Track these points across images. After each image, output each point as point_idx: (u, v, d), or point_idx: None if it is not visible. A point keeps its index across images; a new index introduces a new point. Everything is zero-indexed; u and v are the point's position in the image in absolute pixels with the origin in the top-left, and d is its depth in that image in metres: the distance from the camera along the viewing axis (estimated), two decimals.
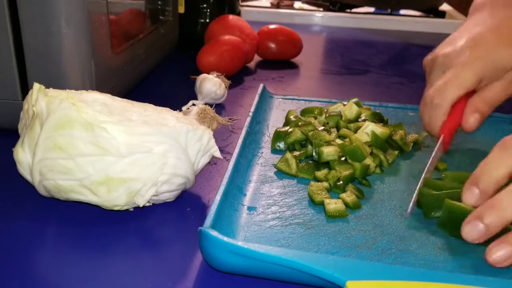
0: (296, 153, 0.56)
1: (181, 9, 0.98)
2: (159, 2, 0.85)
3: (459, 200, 0.43)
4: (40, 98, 0.43)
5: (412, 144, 0.59)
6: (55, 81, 0.54)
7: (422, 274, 0.35)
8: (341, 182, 0.50)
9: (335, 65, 1.02)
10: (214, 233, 0.37)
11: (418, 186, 0.48)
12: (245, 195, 0.48)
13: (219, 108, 0.73)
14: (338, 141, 0.56)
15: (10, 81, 0.55)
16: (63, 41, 0.53)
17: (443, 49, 0.55)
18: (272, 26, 1.00)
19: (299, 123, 0.60)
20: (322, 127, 0.59)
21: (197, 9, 1.01)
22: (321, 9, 1.55)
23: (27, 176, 0.45)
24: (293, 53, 1.00)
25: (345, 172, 0.51)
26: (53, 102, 0.42)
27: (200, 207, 0.49)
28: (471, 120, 0.53)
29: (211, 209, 0.41)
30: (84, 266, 0.39)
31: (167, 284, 0.38)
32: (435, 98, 0.53)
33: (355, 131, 0.58)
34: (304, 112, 0.65)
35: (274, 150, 0.58)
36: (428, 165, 0.50)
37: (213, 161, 0.56)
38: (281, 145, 0.58)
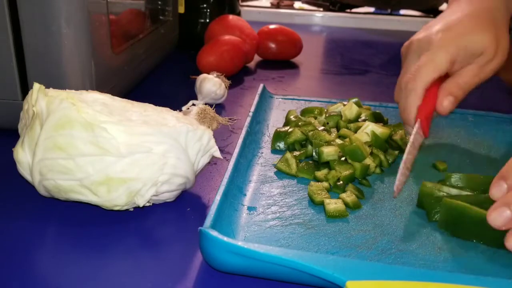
0: (296, 153, 0.56)
1: (181, 9, 0.98)
2: (159, 2, 0.85)
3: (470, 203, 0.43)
4: (40, 98, 0.43)
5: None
6: (55, 81, 0.54)
7: (422, 274, 0.35)
8: (341, 182, 0.50)
9: (335, 65, 1.02)
10: (214, 233, 0.37)
11: (399, 173, 0.47)
12: (245, 195, 0.48)
13: (219, 108, 0.73)
14: (338, 141, 0.56)
15: (10, 81, 0.55)
16: (63, 41, 0.53)
17: (418, 35, 0.57)
18: (272, 26, 1.00)
19: (299, 123, 0.60)
20: (322, 127, 0.59)
21: (197, 9, 1.01)
22: (321, 9, 1.55)
23: (27, 176, 0.45)
24: (293, 53, 1.00)
25: (345, 172, 0.51)
26: (53, 102, 0.42)
27: (200, 207, 0.49)
28: (445, 103, 0.54)
29: (211, 209, 0.41)
30: (84, 266, 0.39)
31: (167, 284, 0.38)
32: (409, 83, 0.54)
33: (355, 131, 0.58)
34: (304, 112, 0.65)
35: (274, 150, 0.58)
36: (407, 151, 0.50)
37: (213, 161, 0.56)
38: (281, 145, 0.58)
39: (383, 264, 0.36)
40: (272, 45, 0.97)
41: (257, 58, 0.99)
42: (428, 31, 0.56)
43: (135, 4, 0.75)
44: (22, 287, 0.37)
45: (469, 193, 0.46)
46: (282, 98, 0.74)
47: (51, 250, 0.41)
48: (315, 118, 0.63)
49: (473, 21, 0.54)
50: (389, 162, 0.56)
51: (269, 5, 1.58)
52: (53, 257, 0.40)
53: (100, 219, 0.45)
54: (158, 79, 0.85)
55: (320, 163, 0.53)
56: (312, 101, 0.74)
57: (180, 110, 0.66)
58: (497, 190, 0.42)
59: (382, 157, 0.55)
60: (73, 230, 0.44)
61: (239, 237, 0.42)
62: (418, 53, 0.55)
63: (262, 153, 0.57)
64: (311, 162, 0.54)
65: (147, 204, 0.46)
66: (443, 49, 0.53)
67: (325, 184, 0.50)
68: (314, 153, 0.54)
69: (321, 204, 0.47)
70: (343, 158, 0.53)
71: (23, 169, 0.44)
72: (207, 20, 1.01)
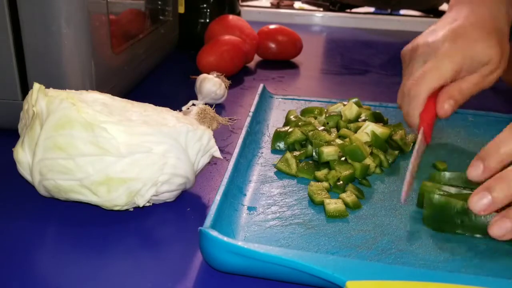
0: (296, 153, 0.56)
1: (181, 9, 0.98)
2: (159, 2, 0.85)
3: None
4: (40, 98, 0.43)
5: (412, 144, 0.59)
6: (55, 81, 0.54)
7: (422, 274, 0.35)
8: (341, 182, 0.50)
9: (335, 65, 1.02)
10: (214, 233, 0.37)
11: (406, 179, 0.47)
12: (245, 195, 0.48)
13: (219, 108, 0.73)
14: (338, 141, 0.56)
15: (10, 81, 0.55)
16: (63, 41, 0.53)
17: (424, 39, 0.56)
18: (272, 26, 1.00)
19: (299, 123, 0.60)
20: (322, 127, 0.59)
21: (197, 9, 1.01)
22: (321, 9, 1.55)
23: (27, 176, 0.45)
24: (293, 53, 1.00)
25: (345, 172, 0.51)
26: (53, 102, 0.42)
27: (200, 207, 0.49)
28: (446, 106, 0.54)
29: (211, 209, 0.41)
30: (84, 266, 0.39)
31: (167, 284, 0.38)
32: (413, 89, 0.54)
33: (355, 131, 0.58)
34: (304, 112, 0.65)
35: (274, 150, 0.58)
36: (412, 159, 0.50)
37: (213, 161, 0.56)
38: (281, 145, 0.58)
39: (383, 264, 0.36)
40: (272, 45, 0.97)
41: (257, 58, 0.99)
42: (433, 37, 0.55)
43: (135, 4, 0.75)
44: (22, 287, 0.37)
45: (469, 192, 0.46)
46: (282, 98, 0.74)
47: (51, 250, 0.41)
48: (315, 118, 0.63)
49: (478, 30, 0.54)
50: (389, 162, 0.56)
51: (269, 5, 1.58)
52: (53, 257, 0.40)
53: (100, 219, 0.45)
54: (158, 79, 0.85)
55: (320, 163, 0.53)
56: (312, 101, 0.74)
57: (180, 110, 0.66)
58: (473, 170, 0.42)
59: (382, 157, 0.55)
60: (73, 230, 0.44)
61: (239, 237, 0.42)
62: (423, 59, 0.55)
63: (262, 153, 0.57)
64: (311, 162, 0.54)
65: (147, 204, 0.46)
66: (449, 58, 0.53)
67: (325, 184, 0.50)
68: (314, 153, 0.54)
69: (321, 204, 0.47)
70: (343, 158, 0.53)
71: (23, 169, 0.44)
72: (207, 20, 1.01)
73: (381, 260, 0.40)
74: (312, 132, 0.57)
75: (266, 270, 0.37)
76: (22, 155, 0.44)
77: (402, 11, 1.56)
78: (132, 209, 0.46)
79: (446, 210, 0.44)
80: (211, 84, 0.71)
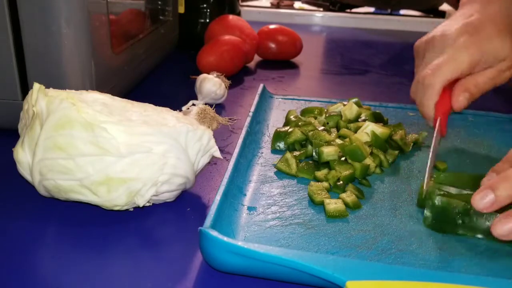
0: (296, 153, 0.56)
1: (181, 9, 0.98)
2: (159, 2, 0.85)
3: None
4: (40, 98, 0.43)
5: (412, 144, 0.59)
6: (55, 81, 0.54)
7: (422, 274, 0.35)
8: (341, 182, 0.50)
9: (335, 65, 1.02)
10: (214, 233, 0.37)
11: (426, 176, 0.47)
12: (245, 195, 0.48)
13: (219, 108, 0.73)
14: (338, 141, 0.56)
15: (10, 81, 0.55)
16: (63, 41, 0.53)
17: (440, 32, 0.56)
18: (272, 26, 1.00)
19: (299, 123, 0.60)
20: (322, 127, 0.59)
21: (197, 9, 1.01)
22: (321, 9, 1.55)
23: (27, 176, 0.45)
24: (293, 53, 1.00)
25: (345, 172, 0.51)
26: (53, 102, 0.42)
27: (200, 207, 0.49)
28: (460, 98, 0.54)
29: (211, 209, 0.41)
30: (84, 266, 0.39)
31: (167, 284, 0.38)
32: (427, 78, 0.54)
33: (355, 131, 0.58)
34: (304, 112, 0.65)
35: (274, 150, 0.58)
36: (430, 153, 0.50)
37: (213, 161, 0.56)
38: (281, 145, 0.58)
39: (383, 264, 0.36)
40: (272, 45, 0.97)
41: (257, 58, 0.99)
42: (450, 30, 0.55)
43: (135, 4, 0.75)
44: (22, 287, 0.37)
45: (470, 192, 0.46)
46: (282, 98, 0.74)
47: (51, 250, 0.41)
48: (315, 118, 0.63)
49: (494, 26, 0.54)
50: (389, 162, 0.56)
51: (269, 5, 1.58)
52: (53, 257, 0.40)
53: (100, 219, 0.45)
54: (158, 79, 0.85)
55: (320, 163, 0.53)
56: (312, 101, 0.74)
57: (180, 110, 0.66)
58: (480, 198, 0.42)
59: (382, 157, 0.55)
60: (73, 230, 0.44)
61: (239, 237, 0.42)
62: (440, 49, 0.55)
63: (262, 153, 0.57)
64: (311, 162, 0.54)
65: (147, 204, 0.46)
66: (466, 51, 0.53)
67: (325, 184, 0.50)
68: (314, 153, 0.54)
69: (321, 204, 0.47)
70: (343, 158, 0.53)
71: (23, 169, 0.44)
72: (207, 20, 1.01)
73: (381, 260, 0.40)
74: (312, 132, 0.57)
75: (266, 270, 0.37)
76: (22, 155, 0.44)
77: (402, 11, 1.56)
78: (132, 209, 0.46)
79: (446, 210, 0.44)
80: (211, 84, 0.71)
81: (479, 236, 0.43)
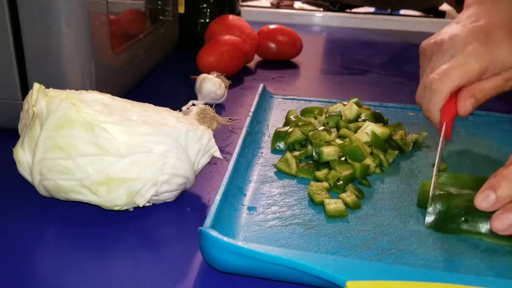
0: (296, 153, 0.56)
1: (181, 9, 0.98)
2: (159, 2, 0.85)
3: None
4: (40, 98, 0.43)
5: (412, 144, 0.59)
6: (55, 81, 0.54)
7: (422, 274, 0.35)
8: (341, 182, 0.50)
9: (335, 65, 1.02)
10: (214, 233, 0.37)
11: (432, 180, 0.47)
12: (245, 195, 0.48)
13: (219, 108, 0.73)
14: (338, 141, 0.56)
15: (10, 81, 0.55)
16: (63, 41, 0.53)
17: (449, 34, 0.55)
18: (272, 26, 1.00)
19: (299, 123, 0.60)
20: (322, 127, 0.59)
21: (197, 9, 1.01)
22: (321, 9, 1.55)
23: (27, 176, 0.45)
24: (293, 53, 1.00)
25: (345, 172, 0.51)
26: (53, 102, 0.42)
27: (200, 207, 0.49)
28: (467, 104, 0.54)
29: (211, 209, 0.41)
30: (84, 266, 0.39)
31: (167, 284, 0.38)
32: (435, 84, 0.53)
33: (355, 131, 0.58)
34: (304, 112, 0.65)
35: (274, 150, 0.58)
36: (437, 157, 0.50)
37: (213, 161, 0.56)
38: (281, 145, 0.58)
39: (383, 264, 0.36)
40: (272, 45, 0.97)
41: (257, 58, 0.99)
42: (460, 33, 0.54)
43: (135, 4, 0.75)
44: (22, 287, 0.37)
45: (470, 192, 0.46)
46: (282, 98, 0.74)
47: (51, 250, 0.41)
48: (315, 118, 0.63)
49: (504, 33, 0.53)
50: (389, 162, 0.56)
51: (269, 5, 1.58)
52: (53, 257, 0.40)
53: (100, 219, 0.45)
54: (158, 79, 0.85)
55: (320, 163, 0.53)
56: (312, 101, 0.74)
57: (180, 110, 0.66)
58: (483, 198, 0.43)
59: (382, 157, 0.55)
60: (73, 230, 0.44)
61: (239, 237, 0.42)
62: (449, 54, 0.54)
63: (262, 153, 0.57)
64: (311, 162, 0.54)
65: (147, 204, 0.46)
66: (476, 58, 0.52)
67: (325, 184, 0.50)
68: (314, 153, 0.54)
69: (321, 204, 0.47)
70: (343, 158, 0.53)
71: (23, 169, 0.44)
72: (207, 20, 1.01)
73: (381, 260, 0.40)
74: (312, 132, 0.57)
75: (266, 270, 0.37)
76: (22, 155, 0.44)
77: (402, 11, 1.56)
78: (132, 209, 0.46)
79: (446, 210, 0.44)
80: (211, 84, 0.71)
81: (480, 235, 0.43)
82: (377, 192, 0.50)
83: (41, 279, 0.38)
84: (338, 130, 0.59)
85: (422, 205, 0.47)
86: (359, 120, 0.62)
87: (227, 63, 0.84)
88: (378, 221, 0.45)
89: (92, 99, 0.46)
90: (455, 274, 0.35)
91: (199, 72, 0.78)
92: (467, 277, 0.35)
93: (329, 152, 0.53)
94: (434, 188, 0.46)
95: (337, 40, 1.28)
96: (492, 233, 0.42)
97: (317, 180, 0.51)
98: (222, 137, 0.64)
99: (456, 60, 0.53)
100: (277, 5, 1.58)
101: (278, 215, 0.45)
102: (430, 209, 0.45)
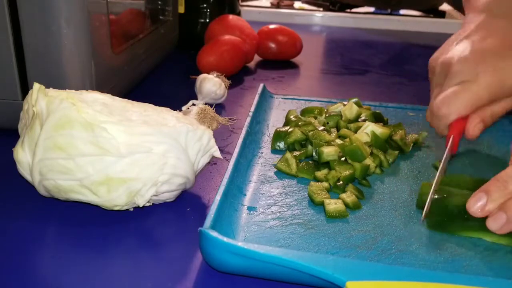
0: (296, 153, 0.56)
1: (181, 9, 0.98)
2: (159, 2, 0.85)
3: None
4: (40, 98, 0.43)
5: (412, 144, 0.59)
6: (55, 81, 0.54)
7: (422, 274, 0.35)
8: (341, 182, 0.50)
9: (335, 65, 1.02)
10: (214, 233, 0.37)
11: (431, 191, 0.47)
12: (245, 195, 0.48)
13: (219, 108, 0.73)
14: (338, 141, 0.56)
15: (10, 81, 0.55)
16: (63, 41, 0.53)
17: (458, 54, 0.53)
18: (272, 26, 1.00)
19: (299, 123, 0.60)
20: (322, 127, 0.59)
21: (197, 9, 1.01)
22: (321, 9, 1.55)
23: (27, 176, 0.45)
24: (293, 53, 1.00)
25: (345, 172, 0.51)
26: (53, 102, 0.42)
27: (200, 207, 0.49)
28: (476, 128, 0.53)
29: (211, 209, 0.41)
30: (84, 266, 0.39)
31: (167, 284, 0.38)
32: (442, 109, 0.53)
33: (355, 131, 0.58)
34: (304, 112, 0.65)
35: (274, 150, 0.58)
36: (440, 169, 0.50)
37: (213, 161, 0.56)
38: (281, 145, 0.58)
39: (383, 264, 0.36)
40: (272, 45, 0.97)
41: (257, 58, 0.99)
42: (467, 56, 0.52)
43: (135, 4, 0.75)
44: (22, 287, 0.37)
45: (469, 192, 0.46)
46: (282, 98, 0.74)
47: (51, 250, 0.41)
48: (315, 118, 0.63)
49: (509, 53, 0.52)
50: (389, 162, 0.56)
51: (269, 5, 1.58)
52: (53, 257, 0.40)
53: (100, 219, 0.45)
54: (158, 79, 0.85)
55: (320, 163, 0.53)
56: (312, 101, 0.74)
57: (180, 110, 0.66)
58: (475, 202, 0.43)
59: (382, 157, 0.55)
60: (73, 230, 0.44)
61: (239, 238, 0.42)
62: (459, 78, 0.52)
63: (262, 153, 0.57)
64: (311, 162, 0.54)
65: (147, 204, 0.46)
66: (487, 89, 0.51)
67: (325, 184, 0.50)
68: (314, 153, 0.54)
69: (321, 204, 0.47)
70: (343, 158, 0.53)
71: (23, 169, 0.44)
72: (207, 20, 1.01)
73: (381, 261, 0.40)
74: (312, 132, 0.57)
75: (266, 271, 0.37)
76: (22, 155, 0.44)
77: (402, 11, 1.56)
78: (132, 209, 0.46)
79: (446, 210, 0.44)
80: (211, 84, 0.71)
81: (480, 235, 0.43)
82: (377, 192, 0.50)
83: (41, 279, 0.38)
84: (338, 130, 0.59)
85: (422, 206, 0.47)
86: (359, 120, 0.62)
87: (227, 63, 0.84)
88: (378, 222, 0.45)
89: (92, 99, 0.46)
90: (455, 274, 0.35)
91: (199, 72, 0.78)
92: (467, 277, 0.35)
93: (329, 152, 0.53)
94: (433, 193, 0.46)
95: (337, 40, 1.28)
96: (491, 233, 0.42)
97: (317, 180, 0.51)
98: (222, 137, 0.64)
99: (464, 86, 0.51)
100: (277, 5, 1.58)
101: (278, 215, 0.45)
102: (429, 210, 0.45)
